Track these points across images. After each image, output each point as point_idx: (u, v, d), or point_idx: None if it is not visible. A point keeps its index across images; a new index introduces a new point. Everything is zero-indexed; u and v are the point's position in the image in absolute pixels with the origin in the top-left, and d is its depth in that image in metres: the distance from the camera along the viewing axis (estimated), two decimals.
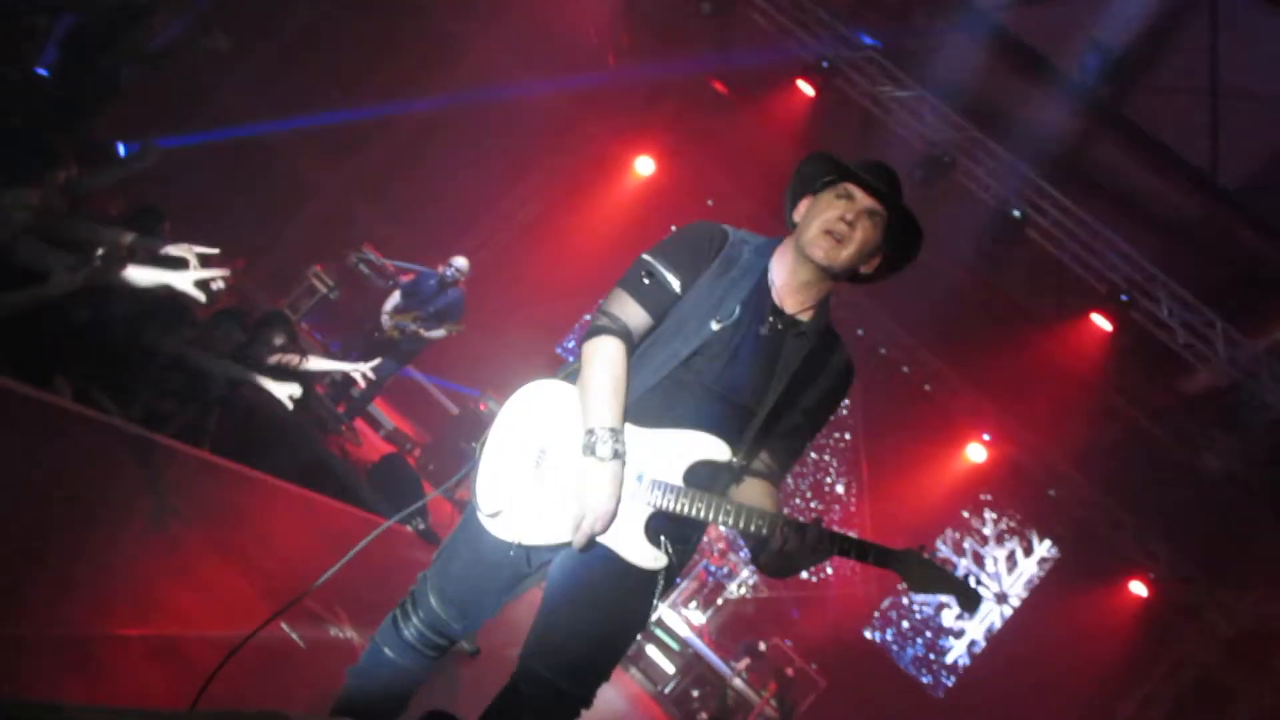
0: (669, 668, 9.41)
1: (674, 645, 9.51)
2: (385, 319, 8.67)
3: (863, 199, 2.52)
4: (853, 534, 2.43)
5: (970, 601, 2.45)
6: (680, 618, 9.74)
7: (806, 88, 9.03)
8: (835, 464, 12.98)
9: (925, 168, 8.31)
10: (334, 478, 5.74)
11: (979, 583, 2.48)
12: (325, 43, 10.80)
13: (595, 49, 10.96)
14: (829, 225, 2.51)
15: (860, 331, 11.78)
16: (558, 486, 2.46)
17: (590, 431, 2.38)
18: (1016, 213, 8.39)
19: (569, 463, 2.46)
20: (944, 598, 2.48)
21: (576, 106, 11.67)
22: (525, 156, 11.96)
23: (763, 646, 9.95)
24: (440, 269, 8.74)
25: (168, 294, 4.47)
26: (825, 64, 8.80)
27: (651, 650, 9.45)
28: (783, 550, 2.35)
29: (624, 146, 12.24)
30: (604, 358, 2.46)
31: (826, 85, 8.91)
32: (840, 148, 2.69)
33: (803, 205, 2.63)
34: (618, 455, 2.37)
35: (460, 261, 8.71)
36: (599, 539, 2.42)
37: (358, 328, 9.32)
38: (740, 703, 9.24)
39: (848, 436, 13.00)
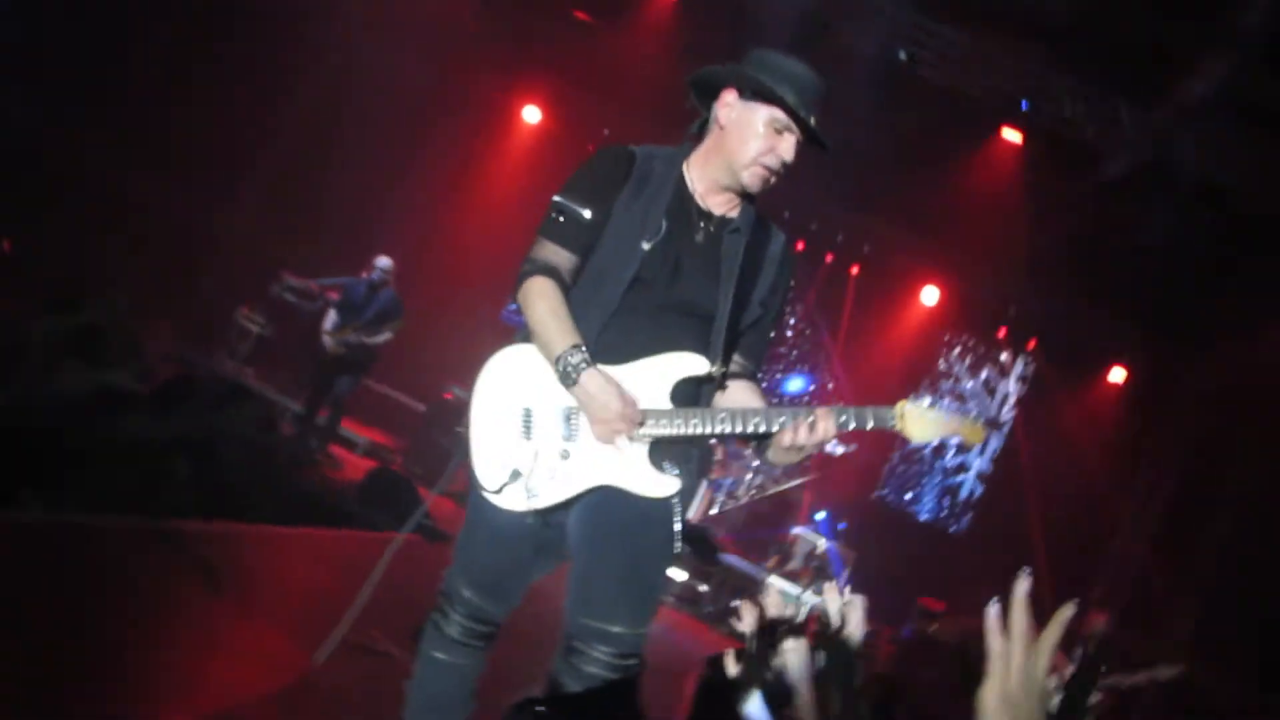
0: (705, 588, 9.54)
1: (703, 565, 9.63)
2: (327, 340, 8.54)
3: (795, 132, 2.50)
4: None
5: (975, 432, 2.51)
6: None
7: None
8: (800, 352, 13.08)
9: (801, 35, 8.27)
10: (324, 507, 5.71)
11: (977, 414, 2.53)
12: (167, 76, 10.30)
13: (449, 11, 10.72)
14: (768, 161, 2.51)
15: (786, 214, 11.78)
16: (552, 442, 2.47)
17: (557, 362, 2.40)
18: (902, 54, 8.39)
19: (556, 414, 2.48)
20: (951, 439, 2.53)
21: (450, 71, 11.45)
22: (414, 133, 11.69)
23: (790, 537, 10.12)
24: (365, 274, 8.62)
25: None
26: None
27: (682, 575, 9.55)
28: (789, 440, 2.40)
29: (507, 100, 12.08)
30: (536, 294, 2.47)
31: None
32: (714, 36, 2.67)
33: (730, 100, 2.56)
34: (588, 364, 2.38)
35: (383, 261, 8.58)
36: (608, 482, 2.45)
37: (303, 357, 9.17)
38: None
39: (804, 328, 13.08)
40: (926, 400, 2.46)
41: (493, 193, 11.94)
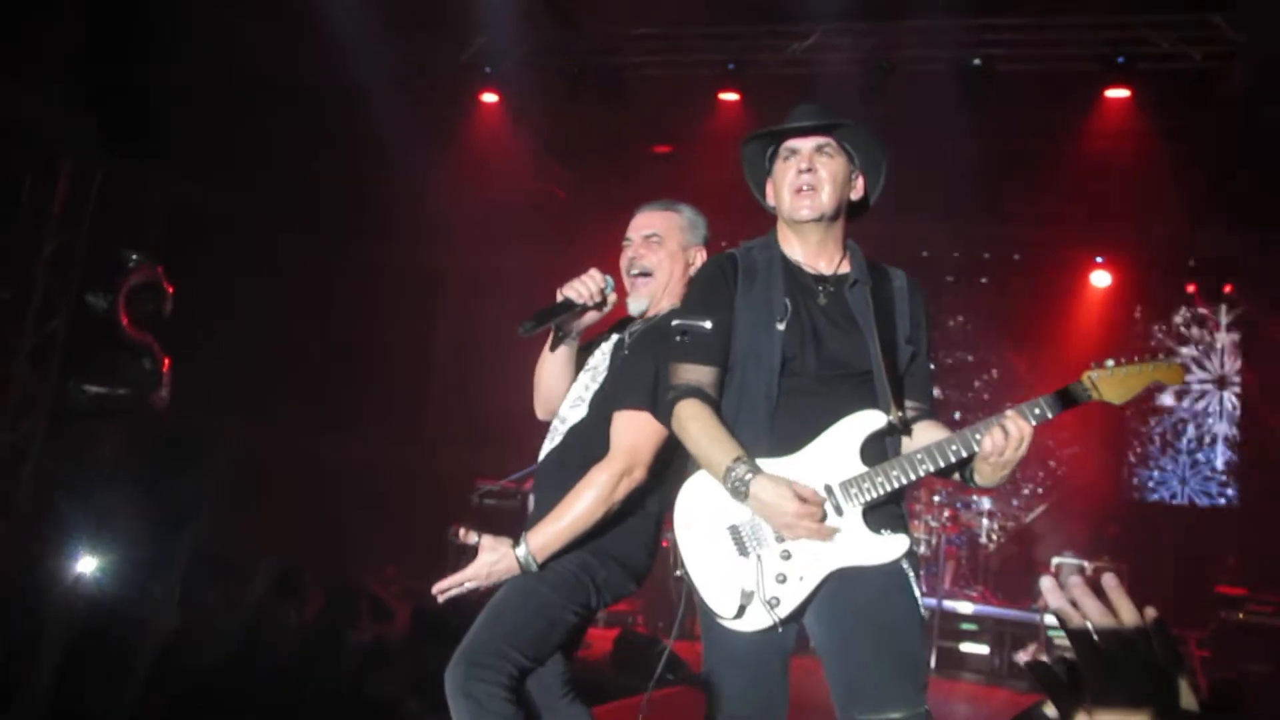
0: (984, 650, 9.08)
1: (973, 627, 9.20)
2: None
3: (802, 143, 2.60)
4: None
5: (1173, 372, 2.46)
6: (960, 601, 9.43)
7: (730, 96, 9.08)
8: (990, 381, 12.57)
9: (872, 84, 8.24)
10: (582, 687, 5.72)
11: (1168, 354, 2.46)
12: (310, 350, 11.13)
13: (538, 190, 11.20)
14: (793, 186, 2.61)
15: (925, 253, 11.56)
16: (770, 548, 2.46)
17: (725, 480, 2.40)
18: (977, 61, 8.24)
19: (761, 518, 2.46)
20: (1152, 387, 2.46)
21: (559, 243, 11.91)
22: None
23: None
24: None
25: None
26: (731, 66, 8.84)
27: (965, 646, 9.14)
28: (993, 453, 2.38)
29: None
30: (686, 418, 2.52)
31: (746, 84, 8.93)
32: (780, 119, 2.75)
33: (769, 187, 2.74)
34: (754, 473, 2.38)
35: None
36: (840, 565, 2.43)
37: None
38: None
39: (994, 360, 12.63)
40: (1110, 361, 2.40)
41: None
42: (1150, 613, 1.04)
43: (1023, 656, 8.56)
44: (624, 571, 2.88)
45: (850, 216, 2.74)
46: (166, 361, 6.97)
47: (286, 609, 5.49)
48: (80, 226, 7.73)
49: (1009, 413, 2.39)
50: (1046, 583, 1.10)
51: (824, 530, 2.38)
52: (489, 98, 9.57)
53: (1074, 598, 1.05)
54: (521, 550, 2.73)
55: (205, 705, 3.99)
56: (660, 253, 3.06)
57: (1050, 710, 1.29)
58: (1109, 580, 1.07)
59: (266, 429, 9.94)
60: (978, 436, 2.38)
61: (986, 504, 10.21)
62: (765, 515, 2.40)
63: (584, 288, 2.93)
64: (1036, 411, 2.41)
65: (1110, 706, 0.98)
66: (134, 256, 6.55)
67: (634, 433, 2.77)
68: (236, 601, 5.33)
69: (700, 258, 3.12)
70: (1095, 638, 1.03)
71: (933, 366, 2.82)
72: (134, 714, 3.77)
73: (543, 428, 3.18)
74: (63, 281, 7.68)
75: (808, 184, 2.57)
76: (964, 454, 2.41)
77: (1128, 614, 1.04)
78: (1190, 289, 11.79)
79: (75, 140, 7.59)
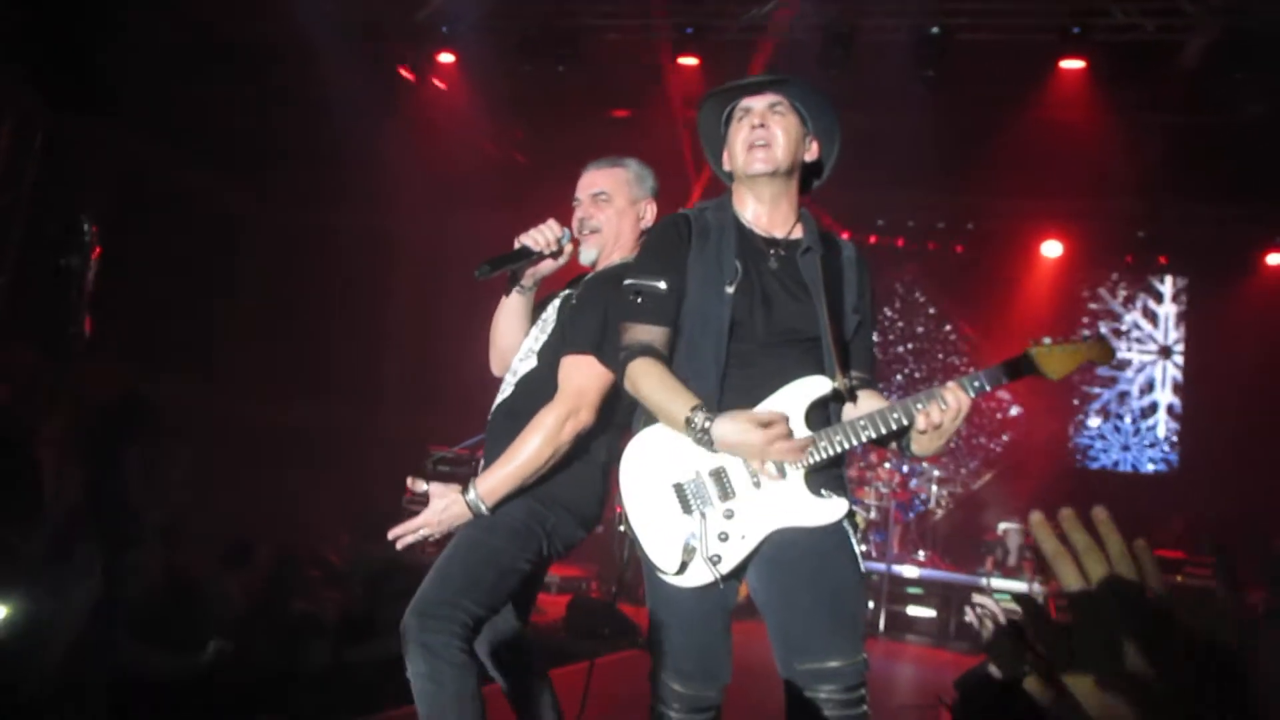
0: (931, 613, 9.24)
1: (920, 591, 9.35)
2: None
3: (754, 101, 2.63)
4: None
5: (1105, 352, 2.52)
6: (908, 565, 9.58)
7: (689, 60, 9.00)
8: (942, 348, 12.73)
9: (830, 51, 8.21)
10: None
11: (1101, 335, 2.53)
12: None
13: (498, 154, 11.10)
14: (746, 142, 2.63)
15: (880, 221, 11.65)
16: (714, 507, 2.49)
17: (687, 428, 2.42)
18: (935, 29, 8.24)
19: (706, 479, 2.50)
20: (1086, 365, 2.54)
21: (522, 206, 11.79)
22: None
23: (999, 534, 9.73)
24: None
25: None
26: (690, 30, 8.76)
27: (911, 610, 9.29)
28: (924, 423, 2.41)
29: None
30: (640, 374, 2.52)
31: (705, 49, 8.85)
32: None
33: (725, 154, 2.75)
34: (714, 415, 2.41)
35: None
36: (781, 525, 2.46)
37: None
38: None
39: (946, 327, 12.77)
40: (1047, 339, 2.46)
41: None
42: (1140, 544, 1.01)
43: (982, 611, 8.66)
44: (573, 518, 2.90)
45: (804, 186, 2.77)
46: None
47: (233, 577, 5.45)
48: (23, 187, 7.53)
49: (949, 384, 2.44)
50: (1036, 516, 1.08)
51: (798, 447, 2.41)
52: (446, 58, 9.42)
53: (1063, 530, 1.02)
54: (471, 495, 2.73)
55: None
56: (609, 210, 3.08)
57: (994, 669, 1.29)
58: (1099, 513, 1.04)
59: (216, 394, 9.81)
60: (919, 406, 2.42)
61: (936, 471, 10.37)
62: (736, 452, 2.43)
63: (541, 236, 2.97)
64: (976, 384, 2.46)
65: (1097, 662, 0.94)
66: (85, 223, 6.42)
67: (580, 375, 2.78)
68: (181, 570, 5.27)
69: (650, 210, 3.15)
70: (1082, 582, 0.99)
71: (876, 338, 2.88)
72: (60, 690, 3.72)
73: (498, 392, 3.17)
74: (3, 243, 7.49)
75: (760, 139, 2.60)
76: (905, 422, 2.45)
77: (1115, 546, 1.02)
78: (1137, 260, 11.98)
79: (16, 99, 7.37)
